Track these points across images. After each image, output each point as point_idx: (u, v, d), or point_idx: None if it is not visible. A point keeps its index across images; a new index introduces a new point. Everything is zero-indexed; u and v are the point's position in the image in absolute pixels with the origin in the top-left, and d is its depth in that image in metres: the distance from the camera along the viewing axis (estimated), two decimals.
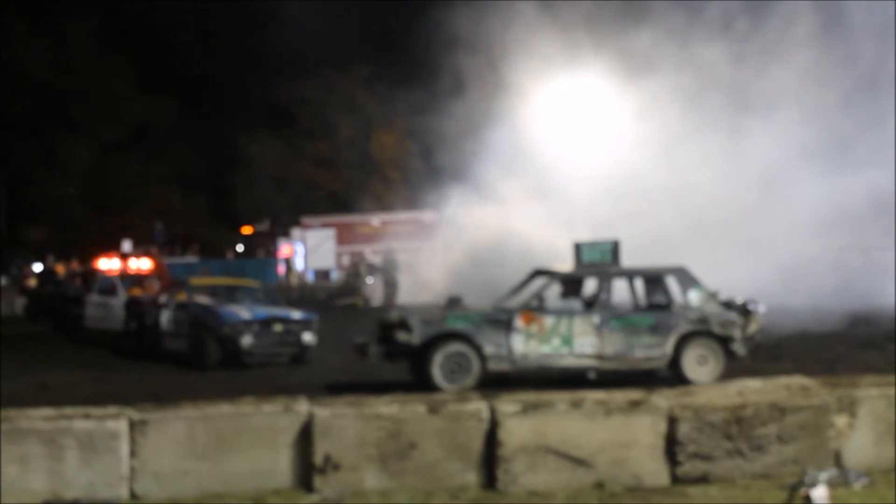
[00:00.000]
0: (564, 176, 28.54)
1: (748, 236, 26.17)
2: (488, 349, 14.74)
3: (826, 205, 25.72)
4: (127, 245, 41.43)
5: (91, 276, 27.87)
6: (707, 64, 27.65)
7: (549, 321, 14.91)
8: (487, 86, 29.86)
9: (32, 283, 39.28)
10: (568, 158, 28.76)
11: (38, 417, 8.80)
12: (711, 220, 26.33)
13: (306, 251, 47.10)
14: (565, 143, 29.28)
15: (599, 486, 8.92)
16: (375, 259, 35.02)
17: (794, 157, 26.36)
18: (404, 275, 32.20)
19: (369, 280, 33.72)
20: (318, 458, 8.83)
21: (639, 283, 15.76)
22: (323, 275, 46.67)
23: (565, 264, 15.82)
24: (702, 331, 14.99)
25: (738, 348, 15.02)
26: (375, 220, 46.79)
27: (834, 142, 26.23)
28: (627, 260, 16.04)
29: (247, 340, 18.42)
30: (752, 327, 15.15)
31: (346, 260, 44.86)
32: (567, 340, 14.90)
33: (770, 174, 26.73)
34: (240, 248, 54.52)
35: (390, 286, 31.88)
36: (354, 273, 35.86)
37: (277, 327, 18.82)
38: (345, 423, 8.91)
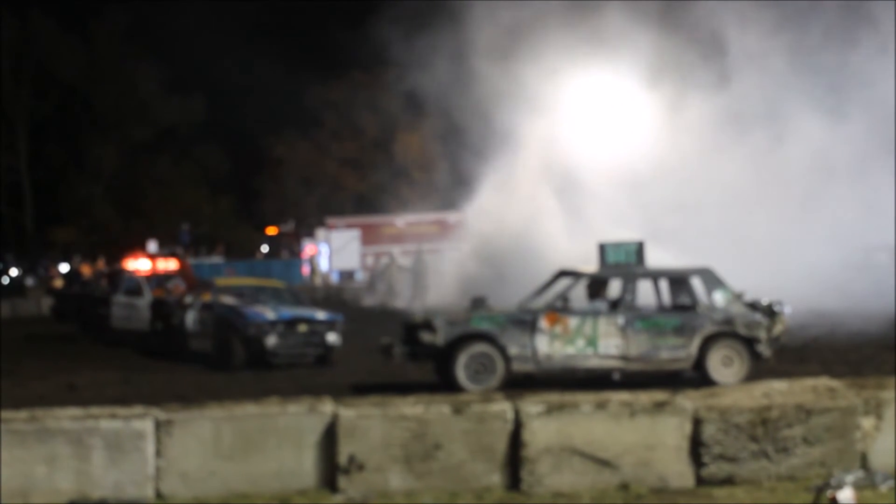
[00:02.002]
0: (591, 175, 28.42)
1: (778, 237, 26.07)
2: (513, 350, 14.73)
3: (860, 205, 25.64)
4: (153, 246, 41.67)
5: (117, 276, 28.02)
6: (744, 62, 27.52)
7: (573, 322, 14.90)
8: (513, 85, 29.75)
9: (59, 283, 39.60)
10: (595, 157, 28.64)
11: (66, 417, 8.85)
12: (742, 221, 26.24)
13: (331, 252, 47.18)
14: (593, 141, 29.14)
15: (624, 487, 8.90)
16: (405, 261, 35.04)
17: (832, 157, 26.25)
18: (430, 276, 32.24)
19: (401, 282, 33.72)
20: (342, 459, 8.84)
21: (664, 284, 15.72)
22: (348, 275, 46.74)
23: (590, 265, 15.80)
24: (727, 332, 14.93)
25: (764, 350, 14.95)
26: (400, 220, 46.81)
27: (874, 140, 26.10)
28: (655, 260, 16.01)
29: (272, 341, 18.47)
30: (778, 328, 15.08)
31: (370, 261, 44.90)
32: (592, 341, 14.87)
33: (804, 174, 26.60)
34: (265, 248, 54.71)
35: (420, 288, 31.90)
36: (382, 274, 35.86)
37: (302, 328, 18.86)
38: (370, 424, 8.92)
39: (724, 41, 27.74)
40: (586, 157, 28.67)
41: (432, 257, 33.95)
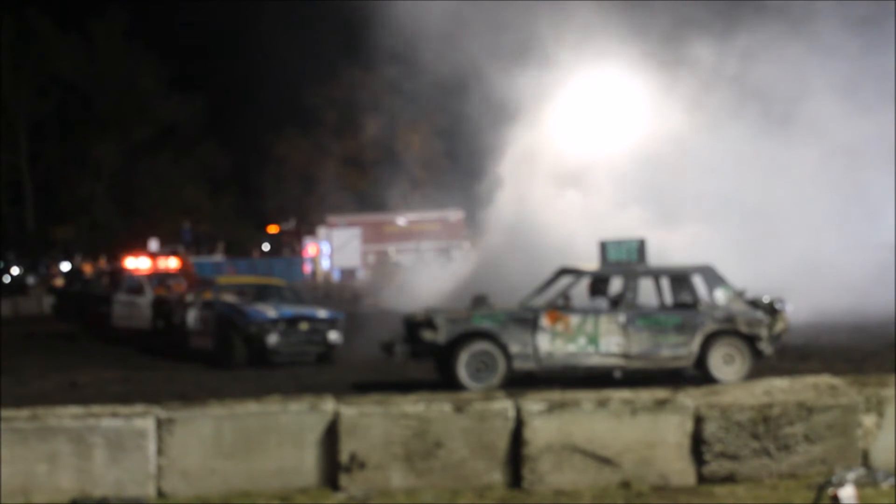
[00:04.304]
0: (590, 170, 28.34)
1: (777, 232, 26.00)
2: (514, 348, 14.74)
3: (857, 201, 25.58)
4: (154, 244, 41.66)
5: (118, 275, 28.04)
6: (741, 54, 27.39)
7: (574, 320, 14.90)
8: (512, 80, 29.64)
9: (60, 282, 39.63)
10: (593, 152, 28.55)
11: (67, 416, 8.84)
12: (740, 216, 26.17)
13: (332, 250, 47.19)
14: (591, 136, 29.02)
15: (626, 485, 8.90)
16: (404, 258, 35.04)
17: (828, 150, 26.15)
18: (431, 274, 32.22)
19: (398, 279, 33.73)
20: (344, 457, 8.84)
21: (665, 282, 15.72)
22: (349, 274, 46.76)
23: (591, 263, 15.79)
24: (728, 330, 14.93)
25: (765, 347, 14.96)
26: (402, 219, 46.82)
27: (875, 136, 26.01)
28: (655, 257, 16.00)
29: (273, 339, 18.48)
30: (779, 326, 15.08)
31: (371, 259, 44.93)
32: (593, 339, 14.87)
33: (803, 168, 26.51)
34: (266, 247, 54.74)
35: (417, 286, 31.87)
36: (376, 272, 35.86)
37: (303, 326, 18.88)
38: (371, 422, 8.92)
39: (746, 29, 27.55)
40: (598, 154, 28.53)
41: (431, 255, 33.93)
